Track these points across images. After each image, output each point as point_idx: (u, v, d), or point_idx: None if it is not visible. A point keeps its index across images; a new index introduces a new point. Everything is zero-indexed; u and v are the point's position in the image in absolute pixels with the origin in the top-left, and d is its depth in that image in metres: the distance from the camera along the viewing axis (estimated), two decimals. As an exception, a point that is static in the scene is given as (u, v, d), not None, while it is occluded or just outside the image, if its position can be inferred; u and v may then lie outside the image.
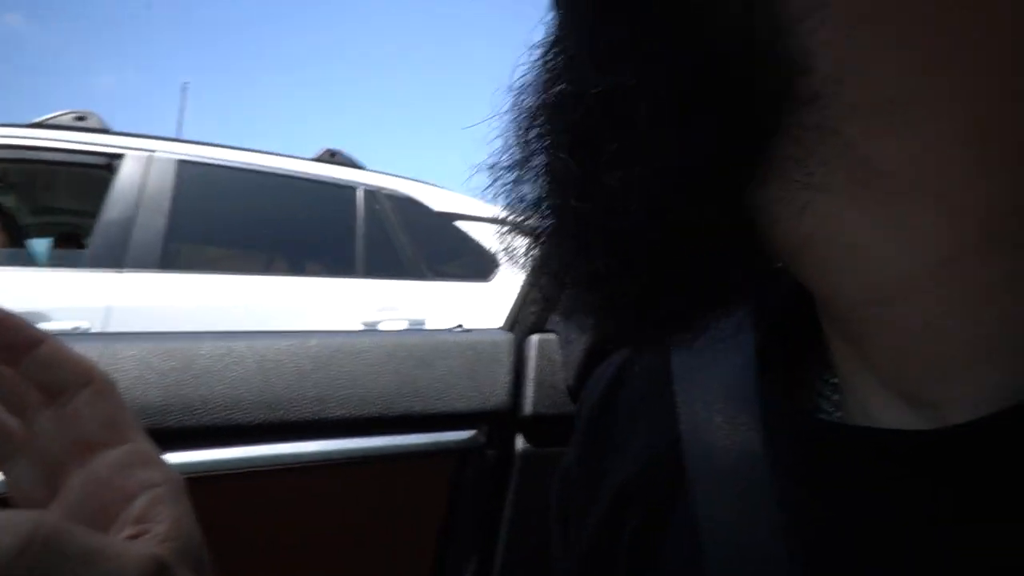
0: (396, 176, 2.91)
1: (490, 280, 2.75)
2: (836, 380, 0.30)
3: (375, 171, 2.89)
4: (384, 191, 2.77)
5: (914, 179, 0.20)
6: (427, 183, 3.01)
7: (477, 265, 2.83)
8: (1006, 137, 0.19)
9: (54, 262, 2.47)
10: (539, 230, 0.30)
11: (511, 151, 0.30)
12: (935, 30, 0.19)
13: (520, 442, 0.78)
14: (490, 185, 0.31)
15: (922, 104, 0.20)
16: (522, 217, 0.31)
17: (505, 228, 0.31)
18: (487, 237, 2.90)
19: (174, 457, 0.62)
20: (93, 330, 2.09)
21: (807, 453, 0.28)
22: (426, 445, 0.73)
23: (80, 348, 0.62)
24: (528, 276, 0.87)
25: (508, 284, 2.68)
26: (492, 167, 0.31)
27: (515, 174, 0.30)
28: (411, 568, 0.74)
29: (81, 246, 2.47)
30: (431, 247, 2.83)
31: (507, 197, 0.31)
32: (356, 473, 0.70)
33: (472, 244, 2.87)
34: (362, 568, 0.72)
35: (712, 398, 0.34)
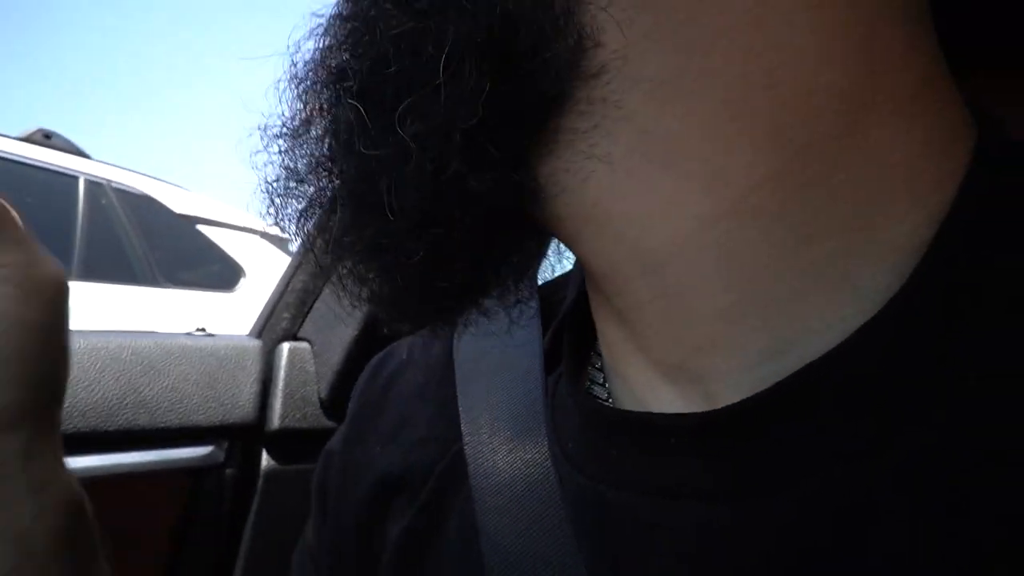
0: (130, 170, 2.59)
1: (234, 290, 2.56)
2: (601, 367, 0.31)
3: (102, 161, 2.55)
4: (113, 184, 2.45)
5: (683, 150, 0.22)
6: (168, 182, 2.73)
7: (220, 274, 2.63)
8: (756, 117, 0.22)
9: None
10: (316, 197, 0.28)
11: (286, 115, 0.27)
12: (699, 19, 0.21)
13: (265, 459, 0.72)
14: (259, 152, 0.28)
15: (690, 82, 0.22)
16: (295, 186, 0.28)
17: (274, 202, 0.28)
18: (232, 244, 2.71)
19: None
20: None
21: (587, 441, 0.29)
22: (153, 463, 0.63)
23: None
24: (283, 278, 0.81)
25: (253, 295, 2.51)
26: (263, 131, 0.28)
27: (288, 140, 0.28)
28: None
29: None
30: (169, 251, 2.56)
31: (276, 167, 0.28)
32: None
33: (216, 251, 2.66)
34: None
35: (496, 410, 0.33)
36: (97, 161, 2.54)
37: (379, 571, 0.34)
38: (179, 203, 2.63)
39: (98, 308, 2.18)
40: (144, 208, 2.50)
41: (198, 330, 0.75)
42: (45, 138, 2.42)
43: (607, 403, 0.30)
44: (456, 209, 0.24)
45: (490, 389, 0.34)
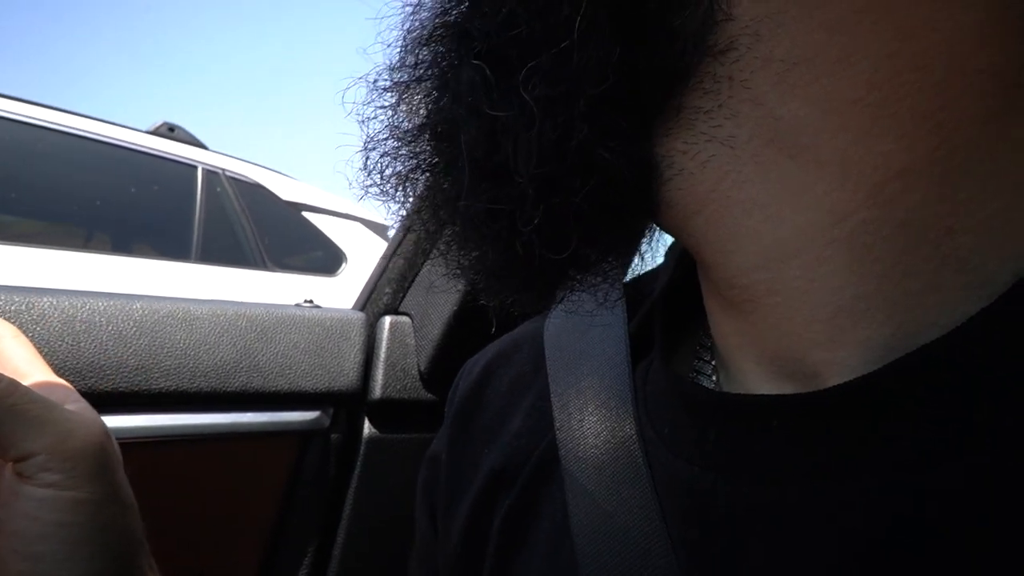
0: (242, 160, 2.73)
1: (336, 275, 2.66)
2: (711, 359, 0.31)
3: (219, 152, 2.70)
4: (228, 173, 2.59)
5: (814, 137, 0.21)
6: (276, 171, 2.86)
7: (324, 259, 2.73)
8: (901, 102, 0.20)
9: None
10: (424, 159, 0.28)
11: (396, 69, 0.28)
12: None
13: (367, 427, 0.74)
14: (366, 104, 0.29)
15: (829, 64, 0.20)
16: (399, 146, 0.28)
17: (374, 161, 0.29)
18: (336, 231, 2.81)
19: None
20: None
21: (684, 424, 0.28)
22: (265, 424, 0.67)
23: None
24: (384, 254, 0.83)
25: (354, 279, 2.59)
26: (373, 84, 0.28)
27: (398, 95, 0.28)
28: (246, 552, 0.68)
29: None
30: (276, 237, 2.69)
31: (382, 124, 0.29)
32: (185, 452, 0.63)
33: (320, 238, 2.77)
34: (193, 552, 0.64)
35: (585, 395, 0.33)
36: (214, 152, 2.69)
37: (485, 566, 0.34)
38: (286, 191, 2.75)
39: (212, 288, 2.31)
40: (254, 195, 2.63)
41: (306, 302, 0.78)
42: (169, 131, 2.59)
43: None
44: (578, 178, 0.23)
45: (579, 375, 0.34)
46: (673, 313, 0.33)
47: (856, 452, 0.22)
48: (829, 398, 0.23)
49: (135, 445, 0.60)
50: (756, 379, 0.26)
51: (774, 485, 0.24)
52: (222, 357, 0.65)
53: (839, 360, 0.23)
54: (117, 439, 0.59)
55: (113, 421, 0.59)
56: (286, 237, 2.72)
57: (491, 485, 0.35)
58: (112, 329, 0.61)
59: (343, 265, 2.73)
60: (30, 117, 2.26)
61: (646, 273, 0.39)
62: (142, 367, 0.60)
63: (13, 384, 0.29)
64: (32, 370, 0.33)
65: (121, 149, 2.40)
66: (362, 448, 0.73)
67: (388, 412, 0.76)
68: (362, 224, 2.93)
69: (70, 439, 0.29)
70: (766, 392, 0.25)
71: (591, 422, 0.32)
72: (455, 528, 0.36)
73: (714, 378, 0.30)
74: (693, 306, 0.31)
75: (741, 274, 0.24)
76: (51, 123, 2.29)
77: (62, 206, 2.37)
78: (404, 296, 0.81)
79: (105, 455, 0.30)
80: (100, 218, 2.46)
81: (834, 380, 0.23)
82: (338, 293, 2.54)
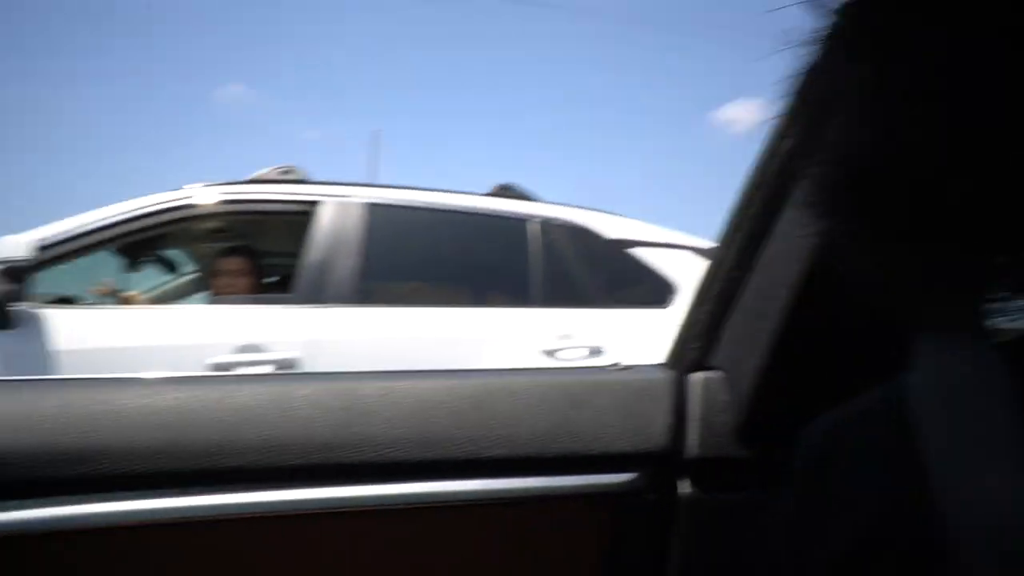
0: (568, 206, 2.94)
1: (668, 306, 2.68)
2: None
3: (547, 202, 2.94)
4: (556, 221, 2.81)
5: None
6: (599, 210, 3.01)
7: (653, 291, 2.78)
8: None
9: (271, 300, 2.77)
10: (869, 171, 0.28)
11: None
12: None
13: (684, 486, 0.74)
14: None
15: None
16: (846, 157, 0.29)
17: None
18: (665, 262, 2.84)
19: (337, 492, 0.65)
20: (301, 358, 2.31)
21: None
22: (584, 487, 0.71)
23: (257, 387, 0.68)
24: (689, 308, 0.83)
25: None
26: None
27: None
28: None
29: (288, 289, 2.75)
30: (606, 274, 2.82)
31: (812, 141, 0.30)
32: (510, 514, 0.70)
33: (647, 270, 2.82)
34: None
35: (970, 450, 0.31)
36: (544, 202, 2.93)
37: None
38: (610, 228, 2.87)
39: (552, 328, 2.51)
40: (582, 237, 2.79)
41: (613, 365, 0.81)
42: (503, 190, 2.91)
43: None
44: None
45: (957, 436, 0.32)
46: None
47: None
48: None
49: (470, 506, 0.69)
50: None
51: None
52: (541, 424, 0.71)
53: None
54: (459, 502, 0.68)
55: (454, 486, 0.68)
56: (615, 274, 2.83)
57: (858, 549, 0.34)
58: (451, 406, 0.70)
59: (675, 294, 2.74)
60: (400, 201, 2.72)
61: None
62: (473, 438, 0.69)
63: None
64: None
65: (468, 215, 2.76)
66: (680, 507, 0.73)
67: (704, 470, 0.74)
68: (690, 251, 2.92)
69: None
70: None
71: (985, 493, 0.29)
72: None
73: None
74: None
75: None
76: (415, 202, 2.73)
77: (430, 270, 2.81)
78: (711, 351, 0.79)
79: None
80: (460, 276, 2.85)
81: None
82: (671, 323, 2.54)
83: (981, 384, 0.31)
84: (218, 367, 2.25)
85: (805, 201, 0.68)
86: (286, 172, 2.71)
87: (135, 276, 3.02)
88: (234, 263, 2.79)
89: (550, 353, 2.47)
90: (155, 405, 0.65)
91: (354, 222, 2.60)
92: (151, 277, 3.31)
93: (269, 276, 3.21)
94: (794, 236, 0.70)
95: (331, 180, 2.77)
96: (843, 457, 0.38)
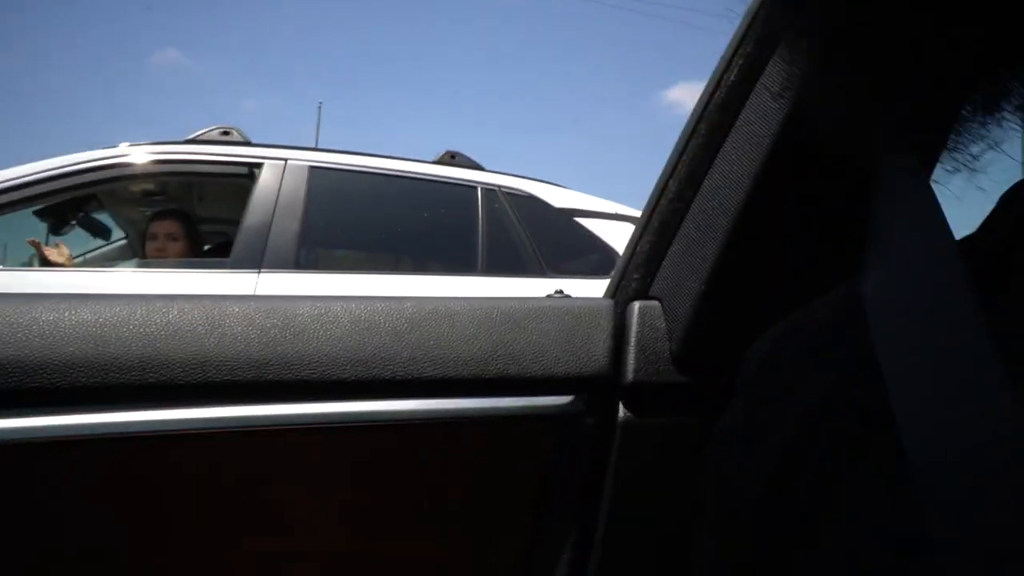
0: (515, 175, 2.93)
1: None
2: None
3: (494, 171, 2.93)
4: (503, 189, 2.80)
5: None
6: (547, 182, 3.01)
7: (599, 262, 2.80)
8: None
9: (205, 265, 2.68)
10: None
11: None
12: None
13: (621, 410, 0.74)
14: None
15: None
16: None
17: None
18: (610, 234, 2.86)
19: (272, 409, 0.64)
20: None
21: None
22: (522, 408, 0.71)
23: (192, 305, 0.65)
24: (630, 240, 0.83)
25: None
26: None
27: None
28: (504, 534, 0.72)
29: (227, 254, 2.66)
30: (552, 244, 2.83)
31: None
32: (449, 434, 0.69)
33: (594, 241, 2.85)
34: (454, 532, 0.71)
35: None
36: (490, 171, 2.92)
37: None
38: (558, 199, 2.88)
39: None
40: (528, 206, 2.79)
41: (556, 292, 0.81)
42: (451, 158, 2.88)
43: None
44: None
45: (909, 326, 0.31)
46: None
47: None
48: None
49: (409, 426, 0.68)
50: None
51: None
52: (480, 347, 0.70)
53: None
54: (397, 421, 0.67)
55: (392, 405, 0.67)
56: (560, 243, 2.85)
57: (800, 438, 0.35)
58: (389, 326, 0.69)
59: (617, 266, 2.77)
60: (344, 164, 2.67)
61: None
62: (413, 358, 0.68)
63: None
64: None
65: (413, 180, 2.72)
66: (617, 431, 0.73)
67: (641, 396, 0.75)
68: (634, 224, 2.95)
69: None
70: None
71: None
72: (756, 489, 0.37)
73: None
74: None
75: None
76: (359, 166, 2.68)
77: (373, 236, 2.76)
78: (652, 281, 0.80)
79: None
80: (401, 243, 2.81)
81: None
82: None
83: (937, 284, 0.30)
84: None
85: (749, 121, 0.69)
86: (226, 133, 2.61)
87: (59, 240, 2.88)
88: (167, 226, 2.69)
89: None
90: (72, 319, 0.62)
91: (296, 186, 2.54)
92: (78, 242, 3.17)
93: (205, 242, 3.11)
94: (734, 164, 0.71)
95: (274, 144, 2.69)
96: (784, 367, 0.37)
